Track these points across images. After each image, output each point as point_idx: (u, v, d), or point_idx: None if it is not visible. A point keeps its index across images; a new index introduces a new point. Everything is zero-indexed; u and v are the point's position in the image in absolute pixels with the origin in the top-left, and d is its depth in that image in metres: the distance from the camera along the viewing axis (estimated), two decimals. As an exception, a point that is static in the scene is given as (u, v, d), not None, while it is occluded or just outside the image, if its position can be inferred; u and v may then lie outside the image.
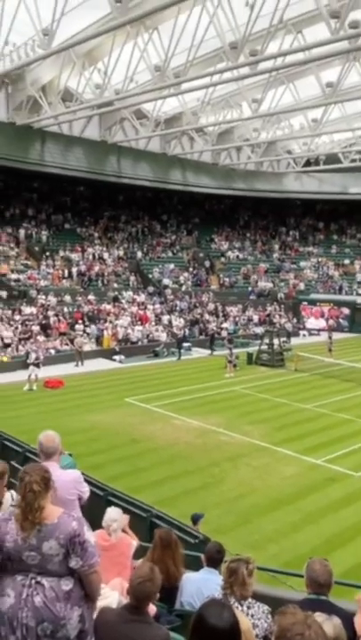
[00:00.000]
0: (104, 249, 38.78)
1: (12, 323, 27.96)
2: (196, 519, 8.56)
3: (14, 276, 31.84)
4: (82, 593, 2.81)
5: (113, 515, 4.54)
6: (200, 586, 3.88)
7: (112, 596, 3.34)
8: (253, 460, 15.14)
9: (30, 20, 22.22)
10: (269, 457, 15.47)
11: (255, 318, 38.43)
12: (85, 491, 4.26)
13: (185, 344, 31.45)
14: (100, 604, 3.13)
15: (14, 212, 36.82)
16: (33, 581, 2.72)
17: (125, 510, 8.55)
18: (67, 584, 2.75)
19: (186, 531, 7.69)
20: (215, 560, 4.02)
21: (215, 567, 4.00)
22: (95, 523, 5.58)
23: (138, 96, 28.50)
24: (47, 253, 35.38)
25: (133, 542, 4.63)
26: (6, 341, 26.53)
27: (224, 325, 35.82)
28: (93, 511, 8.37)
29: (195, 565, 5.65)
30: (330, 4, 19.07)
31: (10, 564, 2.78)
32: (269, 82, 28.28)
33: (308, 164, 43.87)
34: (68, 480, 4.09)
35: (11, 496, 4.05)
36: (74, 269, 35.11)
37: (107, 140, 36.97)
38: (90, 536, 2.83)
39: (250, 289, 41.85)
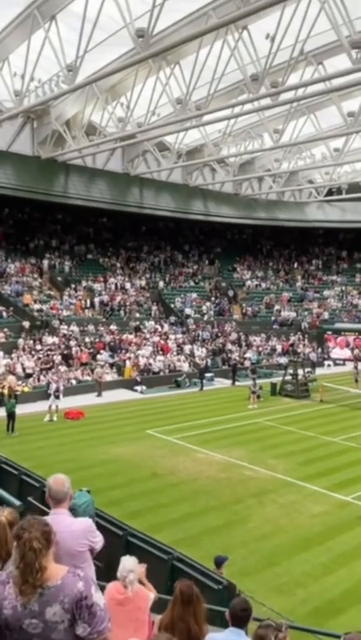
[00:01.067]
0: (126, 279, 38.89)
1: (33, 353, 27.94)
2: (219, 562, 8.10)
3: (37, 306, 31.99)
4: None
5: (129, 565, 4.18)
6: (225, 648, 3.51)
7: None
8: (279, 497, 14.56)
9: (55, 57, 22.70)
10: (296, 493, 14.87)
11: (279, 348, 37.90)
12: (97, 541, 3.91)
13: (207, 374, 31.05)
14: (113, 674, 2.78)
15: (38, 244, 37.26)
16: None
17: (145, 552, 8.18)
18: None
19: (209, 575, 7.26)
20: (241, 618, 3.64)
21: (241, 627, 3.62)
22: (114, 566, 5.23)
23: (160, 129, 28.83)
24: (70, 284, 35.57)
25: (151, 595, 4.27)
26: (28, 371, 26.46)
27: (247, 355, 35.37)
28: (112, 553, 8.01)
29: (218, 619, 5.24)
30: (351, 35, 19.10)
31: (9, 634, 2.42)
32: (290, 112, 28.37)
33: (330, 193, 43.75)
34: (78, 530, 3.76)
35: None
36: (96, 299, 35.19)
37: (129, 172, 37.42)
38: (99, 598, 2.47)
39: (273, 318, 41.43)
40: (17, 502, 10.37)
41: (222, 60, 22.81)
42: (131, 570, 4.14)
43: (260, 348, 37.30)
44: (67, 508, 3.85)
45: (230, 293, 42.85)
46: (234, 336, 37.68)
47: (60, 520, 3.70)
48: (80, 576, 2.47)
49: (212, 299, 41.72)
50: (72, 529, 3.70)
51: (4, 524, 3.87)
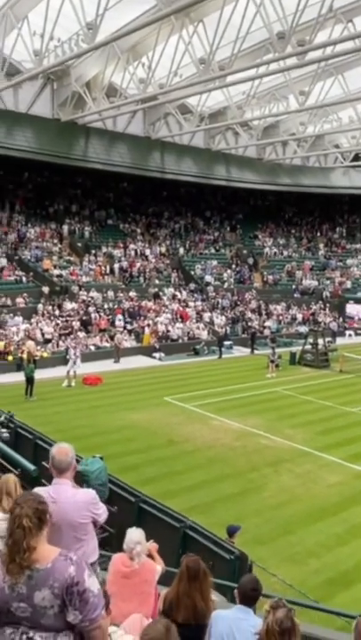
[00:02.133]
0: (146, 245, 38.58)
1: (52, 318, 28.04)
2: (231, 532, 8.06)
3: (57, 271, 31.96)
4: None
5: (135, 537, 4.09)
6: (232, 626, 3.41)
7: (125, 641, 2.87)
8: (296, 466, 14.52)
9: (75, 15, 22.04)
10: (312, 463, 14.81)
11: (299, 317, 37.51)
12: (100, 513, 3.82)
13: (226, 342, 30.92)
14: (112, 651, 2.70)
15: (58, 208, 37.02)
16: (24, 637, 2.27)
17: (157, 519, 8.18)
18: None
19: (221, 545, 7.23)
20: (250, 597, 3.53)
21: (250, 605, 3.51)
22: (125, 533, 5.18)
23: (182, 90, 28.08)
24: (90, 250, 35.41)
25: (158, 567, 4.19)
26: (47, 337, 26.61)
27: (267, 324, 35.09)
28: (124, 519, 8.02)
29: (229, 592, 5.19)
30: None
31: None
32: (318, 73, 27.29)
33: (356, 158, 42.43)
34: (80, 501, 3.66)
35: None
36: (116, 265, 35.02)
37: (150, 136, 36.68)
38: (92, 583, 2.33)
39: (294, 287, 40.90)
40: (31, 467, 10.50)
41: (247, 17, 21.87)
42: (137, 542, 4.06)
43: (281, 317, 36.96)
44: (70, 478, 3.76)
45: (251, 261, 42.30)
46: (254, 304, 37.35)
47: (62, 490, 3.62)
48: (72, 560, 2.33)
49: (233, 266, 41.24)
50: (74, 500, 3.61)
51: (15, 480, 3.90)
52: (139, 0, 22.76)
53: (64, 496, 3.56)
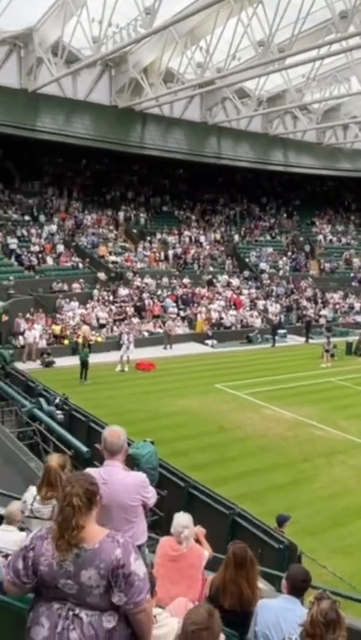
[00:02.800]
0: (201, 232, 38.46)
1: (107, 304, 28.46)
2: (281, 521, 7.99)
3: (112, 258, 32.35)
4: (128, 632, 2.35)
5: (183, 521, 4.10)
6: (278, 616, 3.38)
7: (170, 624, 2.88)
8: (349, 458, 14.21)
9: (133, 0, 22.02)
10: (367, 456, 14.46)
11: (357, 306, 36.55)
12: (150, 496, 3.85)
13: (280, 331, 30.54)
14: (156, 633, 2.71)
15: (114, 195, 37.38)
16: (70, 613, 2.31)
17: (206, 505, 8.21)
18: (109, 621, 2.31)
19: (270, 534, 7.18)
20: (299, 589, 3.49)
21: (298, 596, 3.47)
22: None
23: (240, 74, 27.65)
24: (145, 236, 35.63)
25: (205, 553, 4.19)
26: (102, 322, 27.04)
27: (323, 313, 34.40)
28: (174, 504, 8.09)
29: (277, 581, 5.15)
30: None
31: (44, 591, 2.38)
32: (382, 53, 26.30)
33: None
34: (131, 484, 3.70)
35: None
36: (170, 252, 35.11)
37: (207, 121, 36.37)
38: (138, 567, 2.33)
39: (352, 275, 39.82)
40: (84, 448, 10.77)
41: (309, -4, 21.28)
42: (185, 526, 4.07)
43: (337, 306, 36.14)
44: (121, 460, 3.80)
45: (308, 248, 41.46)
46: (310, 292, 36.65)
47: (113, 472, 3.67)
48: (119, 542, 2.35)
49: (289, 253, 40.56)
50: (125, 482, 3.65)
51: (55, 467, 3.97)
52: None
53: (115, 478, 3.61)
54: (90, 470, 3.83)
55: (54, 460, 4.02)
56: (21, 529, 4.55)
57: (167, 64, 29.23)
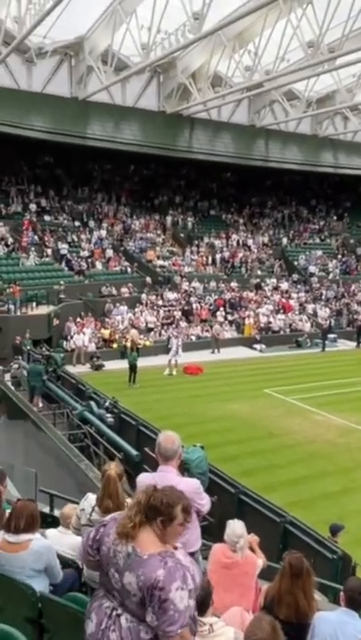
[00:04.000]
0: (249, 235, 38.23)
1: (155, 308, 28.64)
2: (335, 531, 7.81)
3: (160, 262, 32.56)
4: None
5: (238, 530, 4.05)
6: (336, 629, 3.29)
7: (226, 634, 2.84)
8: None
9: (182, 5, 22.16)
10: None
11: None
12: (204, 503, 3.80)
13: (330, 335, 29.98)
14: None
15: (162, 200, 37.63)
16: (114, 613, 2.33)
17: (257, 512, 8.12)
18: (147, 632, 2.27)
19: (323, 543, 7.03)
20: (357, 602, 3.39)
21: (356, 609, 3.37)
22: (226, 523, 5.15)
23: (289, 75, 27.35)
24: (192, 240, 35.70)
25: (259, 561, 4.13)
26: (150, 326, 27.23)
27: (374, 317, 33.55)
28: (224, 510, 8.04)
29: (331, 592, 5.03)
30: None
31: (101, 575, 2.48)
32: None
33: None
34: (185, 490, 3.64)
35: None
36: (217, 256, 35.04)
37: (255, 124, 36.16)
38: (179, 597, 2.23)
39: None
40: (134, 452, 10.84)
41: (360, -6, 20.88)
42: (240, 535, 4.02)
43: (389, 310, 35.17)
44: (175, 466, 3.78)
45: (359, 251, 40.56)
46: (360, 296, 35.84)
47: (167, 478, 3.65)
48: (166, 564, 2.29)
49: (339, 256, 39.79)
50: (179, 488, 3.62)
51: (115, 477, 3.91)
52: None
53: (169, 483, 3.59)
54: (143, 475, 3.84)
55: (113, 469, 3.89)
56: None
57: (215, 68, 29.23)
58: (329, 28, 22.40)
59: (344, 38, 22.64)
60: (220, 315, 29.65)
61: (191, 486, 3.70)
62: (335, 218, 43.49)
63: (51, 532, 4.99)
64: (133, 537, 2.35)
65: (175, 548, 2.43)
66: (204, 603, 3.08)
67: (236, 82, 29.65)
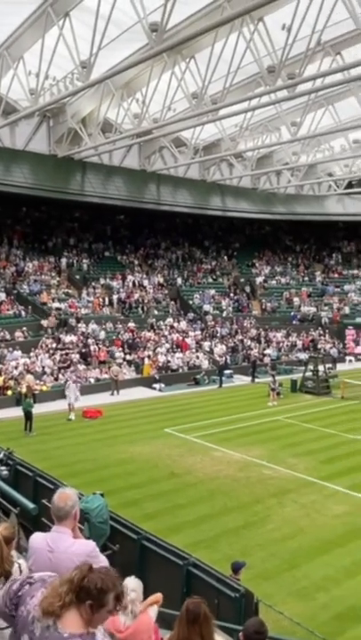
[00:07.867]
0: (144, 276, 38.77)
1: (52, 351, 27.96)
2: (236, 568, 7.87)
3: (55, 304, 32.03)
4: None
5: (131, 584, 3.94)
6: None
7: None
8: (300, 497, 14.27)
9: (69, 54, 22.56)
10: (317, 493, 14.57)
11: (299, 344, 37.47)
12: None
13: (226, 371, 30.81)
14: None
15: (56, 242, 37.33)
16: None
17: (160, 557, 7.99)
18: None
19: (225, 582, 7.03)
20: (253, 641, 3.42)
21: (255, 649, 3.40)
22: (129, 570, 4.98)
23: (176, 124, 28.55)
24: (88, 282, 35.55)
25: (152, 613, 4.00)
26: (46, 370, 26.49)
27: (267, 352, 35.02)
28: (128, 557, 7.85)
29: (234, 633, 5.03)
30: (370, 22, 18.58)
31: (12, 636, 2.34)
32: (308, 105, 27.86)
33: (350, 185, 43.02)
34: (78, 552, 3.49)
35: (19, 567, 3.48)
36: (114, 297, 35.14)
37: (146, 169, 37.20)
38: None
39: (293, 314, 40.95)
40: (31, 505, 10.28)
41: (238, 52, 22.38)
42: (133, 589, 3.91)
43: (280, 344, 36.90)
44: (70, 527, 3.60)
45: (249, 289, 42.45)
46: (253, 332, 37.35)
47: (60, 540, 3.50)
48: None
49: (231, 295, 41.38)
50: (72, 550, 3.45)
51: (0, 540, 3.65)
52: (132, 38, 23.29)
53: (62, 546, 3.43)
54: (36, 535, 3.66)
55: (0, 532, 3.69)
56: None
57: (105, 114, 29.88)
58: (211, 81, 23.78)
59: (225, 91, 24.13)
60: (118, 355, 29.51)
61: (86, 549, 3.54)
62: (226, 258, 45.34)
63: None
64: (59, 616, 2.21)
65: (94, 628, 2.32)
66: None
67: (126, 128, 30.43)
